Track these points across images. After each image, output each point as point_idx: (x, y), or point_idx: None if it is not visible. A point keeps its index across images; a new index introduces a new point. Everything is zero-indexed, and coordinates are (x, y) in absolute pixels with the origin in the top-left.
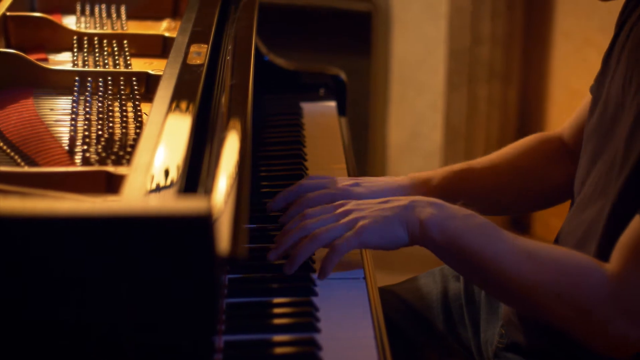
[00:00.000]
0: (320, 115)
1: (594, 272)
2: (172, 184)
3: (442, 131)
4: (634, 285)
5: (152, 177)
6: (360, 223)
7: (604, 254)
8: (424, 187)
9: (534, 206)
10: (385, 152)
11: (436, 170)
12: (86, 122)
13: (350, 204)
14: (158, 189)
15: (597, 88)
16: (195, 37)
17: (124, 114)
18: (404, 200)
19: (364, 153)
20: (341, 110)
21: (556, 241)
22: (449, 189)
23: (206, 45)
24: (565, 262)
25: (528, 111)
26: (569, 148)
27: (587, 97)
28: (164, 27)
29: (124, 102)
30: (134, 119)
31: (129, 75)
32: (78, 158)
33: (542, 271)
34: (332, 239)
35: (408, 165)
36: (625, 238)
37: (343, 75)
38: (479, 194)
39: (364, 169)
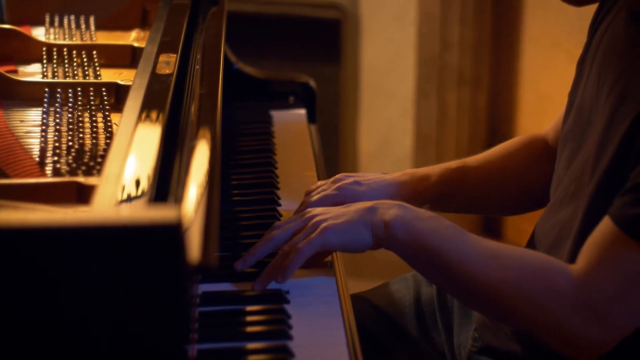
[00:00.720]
0: (291, 123)
1: (559, 272)
2: (142, 193)
3: (413, 137)
4: (599, 285)
5: (123, 187)
6: (323, 225)
7: (577, 256)
8: (422, 184)
9: (523, 207)
10: (356, 159)
11: (433, 167)
12: (56, 133)
13: (316, 210)
14: (128, 198)
15: (572, 93)
16: (164, 47)
17: (94, 124)
18: (368, 203)
19: (335, 160)
20: (311, 118)
21: (529, 243)
22: (446, 187)
23: (175, 55)
24: (531, 262)
25: (498, 116)
26: (553, 150)
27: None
28: (133, 38)
29: (93, 113)
30: (104, 129)
31: (98, 86)
32: (49, 169)
33: (508, 271)
34: (286, 238)
35: (379, 171)
36: (592, 238)
37: (312, 83)
38: (473, 192)
39: (334, 175)
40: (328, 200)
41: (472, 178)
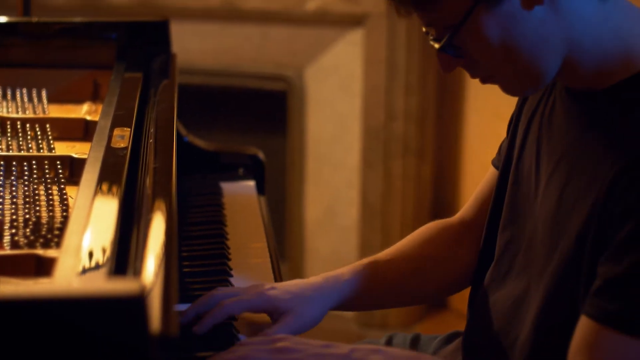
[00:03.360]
0: (240, 194)
1: None
2: (102, 265)
3: (358, 207)
4: None
5: (83, 260)
6: None
7: (539, 330)
8: (336, 284)
9: (443, 292)
10: (302, 229)
11: (346, 267)
12: (13, 206)
13: (290, 341)
14: (89, 270)
15: (505, 161)
16: (118, 121)
17: (50, 197)
18: (344, 348)
19: (281, 230)
20: (260, 190)
21: (476, 316)
22: (359, 283)
23: (129, 129)
24: None
25: (442, 186)
26: (472, 229)
27: (488, 174)
28: (84, 111)
29: (49, 186)
30: (59, 202)
31: (53, 159)
32: (6, 242)
33: None
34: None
35: (325, 241)
36: (575, 344)
37: (261, 155)
38: (386, 286)
39: (281, 245)
40: (244, 305)
41: (385, 271)
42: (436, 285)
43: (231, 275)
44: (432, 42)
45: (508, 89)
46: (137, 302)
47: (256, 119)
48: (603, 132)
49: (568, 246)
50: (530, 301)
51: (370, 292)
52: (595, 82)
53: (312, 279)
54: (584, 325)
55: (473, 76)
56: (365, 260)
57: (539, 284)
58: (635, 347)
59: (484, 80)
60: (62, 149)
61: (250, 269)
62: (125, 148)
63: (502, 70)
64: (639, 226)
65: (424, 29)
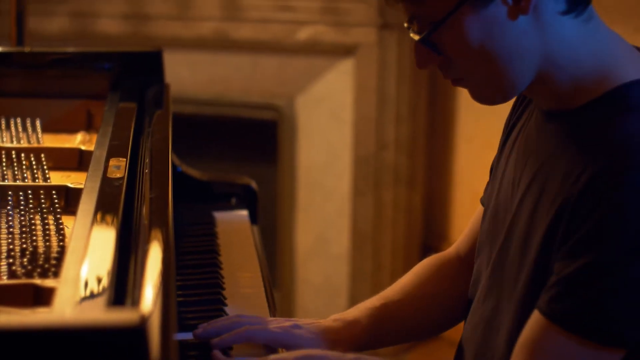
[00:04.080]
0: (234, 224)
1: None
2: (101, 295)
3: (349, 236)
4: None
5: (81, 289)
6: None
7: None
8: (354, 331)
9: (447, 325)
10: (293, 257)
11: (358, 309)
12: (10, 236)
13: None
14: (88, 300)
15: (488, 196)
16: (114, 151)
17: (47, 227)
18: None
19: (272, 258)
20: (253, 219)
21: (459, 349)
22: (377, 328)
23: (125, 159)
24: None
25: (433, 215)
26: (467, 262)
27: (479, 210)
28: (79, 140)
29: (45, 216)
30: (56, 231)
31: (48, 189)
32: (4, 272)
33: None
34: None
35: (316, 269)
36: (524, 337)
37: (254, 185)
38: (397, 327)
39: (272, 274)
40: (267, 335)
41: (397, 314)
42: (439, 321)
43: (226, 305)
44: (412, 34)
45: (477, 95)
46: (137, 332)
47: (247, 148)
48: (571, 149)
49: (533, 260)
50: (503, 321)
51: (383, 336)
52: (570, 99)
53: (331, 324)
54: (533, 319)
55: (445, 76)
56: (378, 303)
57: (510, 303)
58: (576, 347)
59: (455, 83)
60: (58, 178)
61: (244, 298)
62: (122, 178)
63: (475, 74)
64: (596, 227)
65: (405, 24)
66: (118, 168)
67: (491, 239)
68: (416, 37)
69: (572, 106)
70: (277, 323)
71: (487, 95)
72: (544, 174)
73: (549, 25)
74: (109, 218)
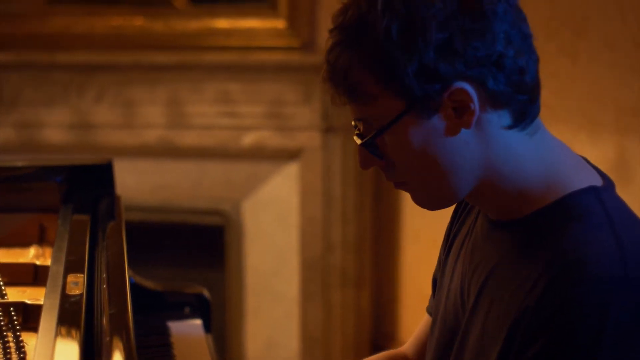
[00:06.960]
0: (188, 333)
1: None
2: None
3: (299, 339)
4: None
5: None
6: None
7: None
8: None
9: None
10: None
11: None
12: None
13: None
14: None
15: (435, 306)
16: (71, 267)
17: (7, 344)
18: None
19: None
20: (207, 328)
21: None
22: None
23: (82, 275)
24: None
25: (382, 315)
26: None
27: (427, 317)
28: (32, 254)
29: (4, 333)
30: (16, 349)
31: (6, 306)
32: None
33: None
34: None
35: None
36: None
37: (206, 294)
38: None
39: None
40: None
41: None
42: None
43: None
44: (355, 137)
45: (418, 199)
46: None
47: (195, 254)
48: (522, 258)
49: None
50: None
51: None
52: (517, 208)
53: None
54: None
55: (388, 179)
56: None
57: None
58: None
59: (397, 186)
60: (14, 294)
61: None
62: (81, 294)
63: (416, 179)
64: (550, 343)
65: (352, 123)
66: (77, 284)
67: (441, 354)
68: (359, 141)
69: (519, 215)
70: None
71: (428, 200)
72: (494, 283)
73: (493, 138)
74: (71, 334)
